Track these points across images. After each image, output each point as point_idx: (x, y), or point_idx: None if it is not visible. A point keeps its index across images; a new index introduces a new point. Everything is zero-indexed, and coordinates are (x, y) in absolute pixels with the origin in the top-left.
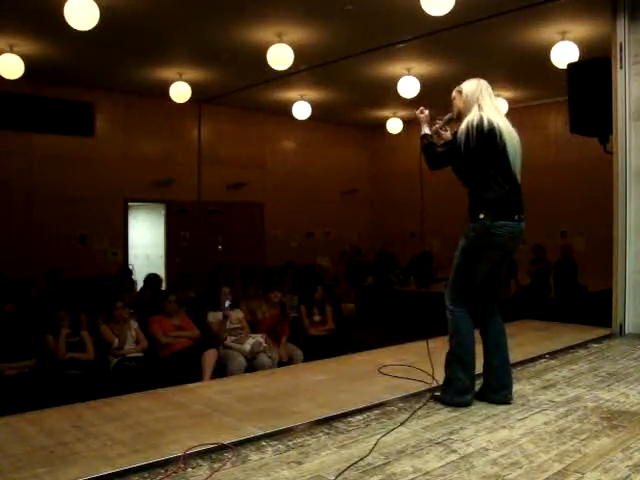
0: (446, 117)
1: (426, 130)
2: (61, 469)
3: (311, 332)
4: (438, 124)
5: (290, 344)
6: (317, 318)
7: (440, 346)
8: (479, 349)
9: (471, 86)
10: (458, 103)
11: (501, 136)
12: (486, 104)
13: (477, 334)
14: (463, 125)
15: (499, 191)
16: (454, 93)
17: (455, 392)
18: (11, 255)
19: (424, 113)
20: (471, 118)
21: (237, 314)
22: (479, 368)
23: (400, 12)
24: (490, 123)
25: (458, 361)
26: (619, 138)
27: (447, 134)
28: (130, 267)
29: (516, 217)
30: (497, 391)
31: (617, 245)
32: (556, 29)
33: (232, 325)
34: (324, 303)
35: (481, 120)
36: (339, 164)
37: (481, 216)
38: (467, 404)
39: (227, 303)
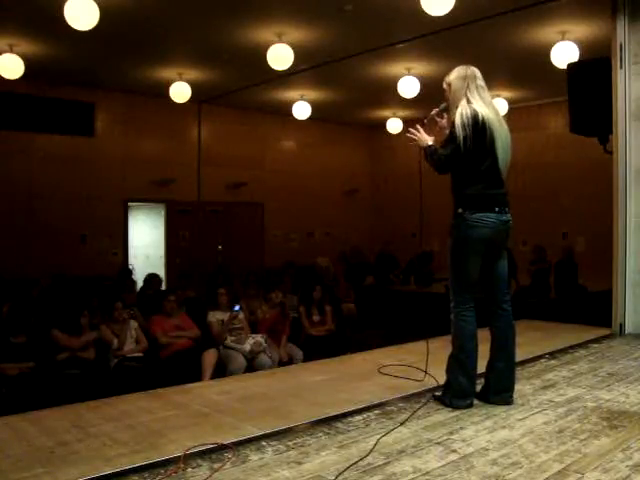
0: (442, 105)
1: (429, 142)
2: (61, 469)
3: (311, 332)
4: (434, 112)
5: (290, 344)
6: (316, 318)
7: (440, 346)
8: (484, 349)
9: (457, 81)
10: (448, 96)
11: (492, 132)
12: (474, 97)
13: (483, 334)
14: (457, 121)
15: (480, 187)
16: (444, 85)
17: (455, 395)
18: (11, 255)
19: (420, 130)
20: (464, 112)
21: (238, 314)
22: (482, 367)
23: (400, 12)
24: (482, 118)
25: (459, 365)
26: (619, 138)
27: (443, 122)
28: (130, 267)
29: (497, 209)
30: (498, 393)
31: (617, 245)
32: (556, 29)
33: (232, 325)
34: (323, 303)
35: (474, 114)
36: (339, 164)
37: (459, 211)
38: (467, 408)
39: (237, 307)
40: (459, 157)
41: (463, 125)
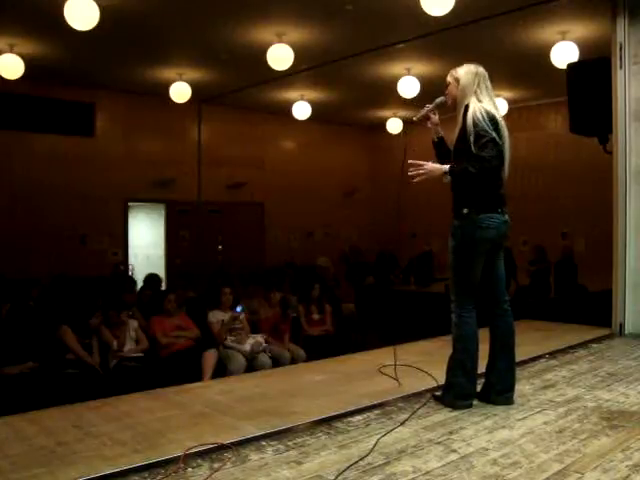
0: (437, 100)
1: (444, 166)
2: (61, 469)
3: (309, 332)
4: (428, 107)
5: (292, 344)
6: (316, 317)
7: (439, 346)
8: (484, 348)
9: (468, 77)
10: (453, 90)
11: (502, 133)
12: (484, 97)
13: (482, 334)
14: (479, 117)
15: (489, 187)
16: (450, 78)
17: (456, 396)
18: (11, 255)
19: (421, 163)
20: (482, 111)
21: (240, 315)
22: (482, 367)
23: (400, 12)
24: (496, 118)
25: (461, 366)
26: (619, 138)
27: (436, 117)
28: (130, 267)
29: (499, 210)
30: (501, 393)
31: (617, 245)
32: (556, 29)
33: (233, 325)
34: (322, 301)
35: (492, 115)
36: (339, 164)
37: (465, 211)
38: (467, 408)
39: (239, 308)
40: (499, 152)
41: (485, 121)
